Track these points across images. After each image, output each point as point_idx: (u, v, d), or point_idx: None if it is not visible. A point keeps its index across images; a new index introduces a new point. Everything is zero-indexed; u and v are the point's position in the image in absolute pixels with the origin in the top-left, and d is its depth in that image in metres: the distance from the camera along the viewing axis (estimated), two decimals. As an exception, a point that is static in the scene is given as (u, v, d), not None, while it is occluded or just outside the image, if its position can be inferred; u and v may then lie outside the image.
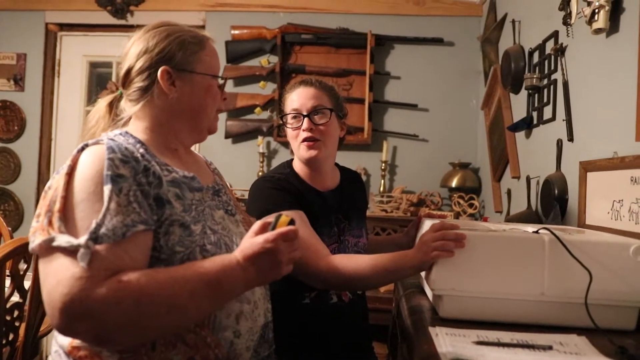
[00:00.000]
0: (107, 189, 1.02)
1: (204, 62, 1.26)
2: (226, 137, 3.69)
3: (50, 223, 1.00)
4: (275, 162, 3.67)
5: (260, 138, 3.64)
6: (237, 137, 3.73)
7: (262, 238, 1.06)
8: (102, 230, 0.98)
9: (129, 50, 1.24)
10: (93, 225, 0.98)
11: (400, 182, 3.65)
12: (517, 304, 1.18)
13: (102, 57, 4.02)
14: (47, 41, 3.95)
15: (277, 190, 1.63)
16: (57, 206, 1.01)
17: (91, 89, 4.04)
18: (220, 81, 1.31)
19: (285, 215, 1.10)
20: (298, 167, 1.76)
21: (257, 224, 1.10)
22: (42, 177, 3.92)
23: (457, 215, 3.34)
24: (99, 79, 4.10)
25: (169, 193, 1.12)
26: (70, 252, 0.96)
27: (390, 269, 1.42)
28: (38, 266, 1.02)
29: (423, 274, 1.36)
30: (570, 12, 1.95)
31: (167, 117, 1.24)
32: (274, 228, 1.08)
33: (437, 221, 1.43)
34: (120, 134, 1.18)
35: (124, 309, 0.95)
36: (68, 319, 0.94)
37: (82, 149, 1.10)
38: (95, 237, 0.97)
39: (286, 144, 3.59)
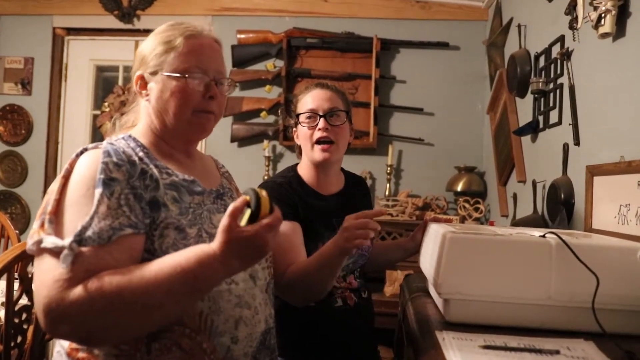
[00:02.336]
0: (97, 192, 1.03)
1: (174, 63, 1.21)
2: (232, 140, 3.71)
3: (42, 225, 1.02)
4: (281, 166, 3.67)
5: (266, 142, 3.65)
6: (242, 140, 3.74)
7: (249, 233, 0.99)
8: (88, 232, 0.99)
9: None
10: (79, 227, 0.99)
11: (405, 186, 3.65)
12: (524, 308, 1.17)
13: (109, 61, 4.05)
14: (55, 45, 3.97)
15: (275, 198, 1.64)
16: (49, 208, 1.03)
17: (98, 93, 4.06)
18: (194, 80, 1.23)
19: (264, 195, 1.02)
20: (304, 169, 1.77)
21: (235, 208, 1.01)
22: (49, 180, 3.93)
23: (463, 219, 3.34)
24: (105, 83, 4.12)
25: (165, 196, 1.13)
26: (56, 253, 0.98)
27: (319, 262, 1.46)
28: None
29: (430, 278, 1.36)
30: (577, 16, 1.95)
31: (150, 121, 1.26)
32: (258, 211, 1.00)
33: (444, 225, 1.44)
34: (123, 137, 1.21)
35: (98, 310, 0.96)
36: (50, 322, 0.96)
37: (81, 152, 1.12)
38: (79, 240, 0.98)
39: (292, 148, 3.60)
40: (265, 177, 3.59)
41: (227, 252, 1.00)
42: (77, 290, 0.95)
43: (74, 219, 1.01)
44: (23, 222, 3.88)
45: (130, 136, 1.23)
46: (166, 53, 1.22)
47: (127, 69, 4.01)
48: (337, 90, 1.78)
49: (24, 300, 1.70)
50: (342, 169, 1.87)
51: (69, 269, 0.96)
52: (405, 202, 3.41)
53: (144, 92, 1.26)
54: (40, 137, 3.93)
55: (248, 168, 3.68)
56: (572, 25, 2.01)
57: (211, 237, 1.12)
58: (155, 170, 1.14)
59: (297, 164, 1.84)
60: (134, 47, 3.95)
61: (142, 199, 1.08)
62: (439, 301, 1.34)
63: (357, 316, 1.73)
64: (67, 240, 0.97)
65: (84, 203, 1.03)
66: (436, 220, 1.74)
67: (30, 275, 1.69)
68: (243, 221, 1.00)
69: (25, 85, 3.93)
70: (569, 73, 2.07)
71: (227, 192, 1.35)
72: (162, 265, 1.01)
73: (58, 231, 1.01)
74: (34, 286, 1.02)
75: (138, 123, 1.29)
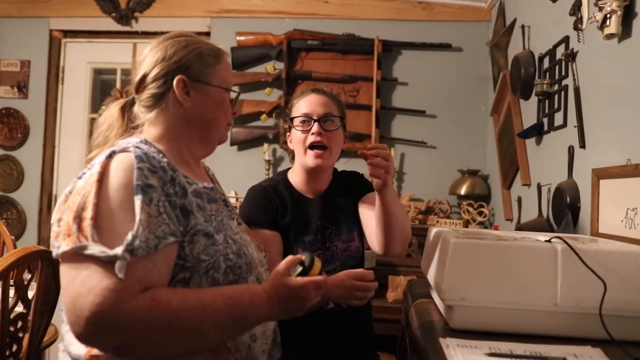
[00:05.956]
0: (137, 199, 1.03)
1: (219, 75, 1.30)
2: (232, 144, 3.70)
3: (80, 229, 1.00)
4: (281, 170, 3.67)
5: (266, 145, 3.65)
6: (242, 144, 3.73)
7: (296, 284, 1.11)
8: (137, 242, 0.99)
9: (146, 57, 1.27)
10: (129, 236, 0.99)
11: (408, 189, 3.64)
12: (529, 315, 1.17)
13: (106, 63, 4.05)
14: (51, 48, 3.98)
15: (257, 204, 1.72)
16: (90, 213, 1.01)
17: (95, 96, 4.06)
18: (232, 96, 1.34)
19: (318, 259, 1.16)
20: (294, 174, 1.81)
21: (290, 261, 1.15)
22: (45, 185, 3.94)
23: (467, 224, 3.33)
24: (103, 86, 4.12)
25: (193, 204, 1.15)
26: (104, 262, 0.97)
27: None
28: (61, 270, 1.03)
29: (433, 283, 1.35)
30: (581, 17, 1.95)
31: (181, 127, 1.26)
32: (309, 269, 1.14)
33: (448, 230, 1.43)
34: (142, 142, 1.19)
35: (154, 328, 0.99)
36: (94, 329, 0.95)
37: (110, 155, 1.10)
38: (131, 249, 0.98)
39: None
40: (265, 181, 3.59)
41: (274, 295, 1.11)
42: (136, 303, 0.97)
43: (117, 226, 1.01)
44: (19, 228, 3.87)
45: (147, 141, 1.22)
46: (215, 64, 1.29)
47: (125, 72, 4.01)
48: (332, 96, 1.80)
49: (19, 308, 1.69)
50: (336, 169, 1.87)
51: (123, 280, 0.96)
52: (408, 206, 3.41)
53: (187, 98, 1.25)
54: (37, 141, 3.93)
55: (248, 172, 3.67)
56: (577, 26, 2.00)
57: (235, 243, 1.22)
58: (182, 178, 1.16)
59: (289, 168, 1.86)
60: (132, 50, 3.95)
61: (176, 207, 1.10)
62: (442, 307, 1.33)
63: (352, 319, 1.73)
64: (119, 250, 0.97)
65: (126, 209, 1.03)
66: (364, 155, 1.55)
67: (25, 283, 1.68)
68: (293, 275, 1.14)
69: (22, 88, 3.93)
70: (573, 74, 2.07)
71: (226, 197, 1.39)
72: (216, 296, 1.07)
73: (101, 238, 1.00)
74: (67, 290, 0.99)
75: (149, 126, 1.27)
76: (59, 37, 4.00)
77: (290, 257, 1.16)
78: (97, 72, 4.10)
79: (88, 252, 0.98)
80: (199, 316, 1.02)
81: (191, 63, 1.25)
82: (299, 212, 1.74)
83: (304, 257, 1.16)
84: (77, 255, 0.99)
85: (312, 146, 1.71)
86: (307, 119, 1.73)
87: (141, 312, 0.97)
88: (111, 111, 1.32)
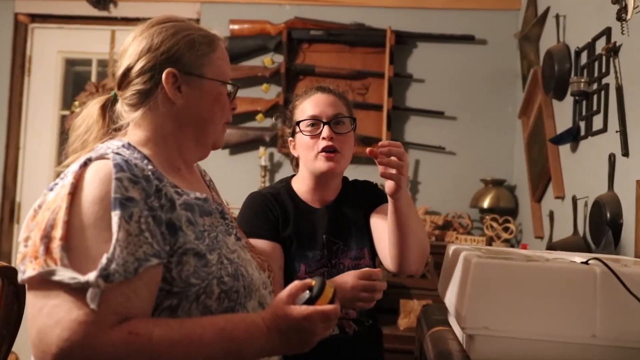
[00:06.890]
0: (115, 215, 1.01)
1: (215, 65, 1.28)
2: (223, 147, 3.69)
3: (48, 251, 0.98)
4: (279, 176, 3.67)
5: (262, 149, 3.66)
6: (235, 147, 3.74)
7: (300, 314, 1.07)
8: (113, 266, 0.97)
9: (129, 46, 1.24)
10: (104, 260, 0.97)
11: (423, 201, 3.64)
12: (563, 348, 1.16)
13: (80, 53, 4.07)
14: (16, 34, 3.99)
15: (256, 213, 1.72)
16: (60, 233, 0.99)
17: (67, 90, 4.08)
18: (230, 89, 1.34)
19: (330, 286, 1.13)
20: (299, 182, 1.81)
21: (296, 286, 1.12)
22: (8, 191, 3.94)
23: (490, 241, 3.32)
24: (76, 79, 4.14)
25: (182, 218, 1.13)
26: (74, 289, 0.95)
27: None
28: (27, 298, 1.02)
29: (452, 309, 1.35)
30: (626, 5, 1.94)
31: (171, 128, 1.24)
32: (317, 297, 1.09)
33: (468, 248, 1.42)
34: (124, 146, 1.18)
35: None
36: None
37: (85, 163, 1.08)
38: (106, 275, 0.96)
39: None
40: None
41: (274, 326, 1.08)
42: (111, 338, 0.96)
43: (90, 247, 1.00)
44: (-23, 240, 3.87)
45: (130, 145, 1.20)
46: (210, 53, 1.27)
47: (102, 63, 4.03)
48: (340, 94, 1.82)
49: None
50: (346, 178, 1.88)
51: (96, 310, 0.95)
52: (423, 220, 3.40)
53: (178, 94, 1.22)
54: (-1, 141, 3.94)
55: (241, 179, 3.67)
56: (621, 16, 2.00)
57: (232, 263, 1.20)
58: (169, 188, 1.14)
59: (292, 175, 1.88)
60: (110, 38, 3.97)
61: (161, 223, 1.08)
62: (462, 337, 1.33)
63: (358, 346, 1.73)
64: (92, 276, 0.95)
65: (102, 228, 1.01)
66: (373, 153, 1.54)
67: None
68: (299, 302, 1.10)
69: (-18, 80, 3.95)
70: (616, 72, 2.07)
71: (224, 208, 1.37)
72: (205, 327, 1.05)
73: (72, 261, 0.98)
74: (33, 321, 0.98)
75: (133, 128, 1.24)
76: (25, 21, 4.01)
77: (296, 282, 1.13)
78: (70, 63, 4.12)
79: (56, 278, 0.96)
80: (184, 352, 1.01)
81: (182, 53, 1.23)
82: (303, 224, 1.74)
83: (313, 282, 1.13)
84: (45, 282, 0.97)
85: (323, 150, 1.72)
86: (316, 122, 1.74)
87: (116, 347, 0.95)
88: (90, 111, 1.29)
